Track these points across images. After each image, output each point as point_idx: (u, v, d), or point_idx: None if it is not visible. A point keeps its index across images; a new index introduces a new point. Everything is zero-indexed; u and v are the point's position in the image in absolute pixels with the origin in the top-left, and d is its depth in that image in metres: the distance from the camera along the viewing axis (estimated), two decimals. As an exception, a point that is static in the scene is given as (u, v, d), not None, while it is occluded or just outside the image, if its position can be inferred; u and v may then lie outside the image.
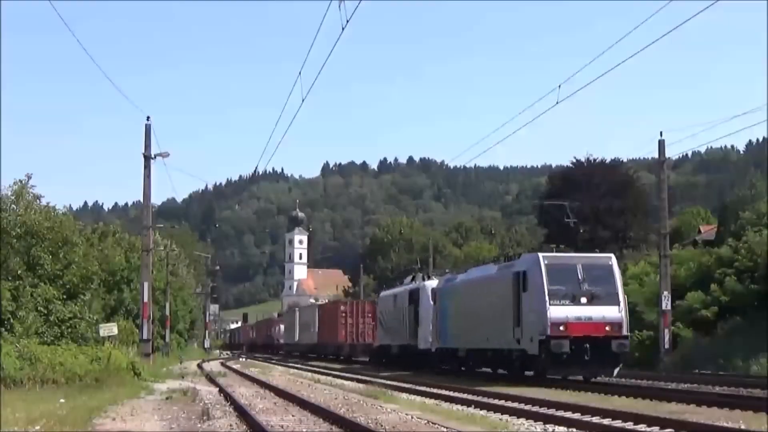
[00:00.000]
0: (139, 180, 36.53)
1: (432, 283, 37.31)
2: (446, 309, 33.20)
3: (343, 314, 55.70)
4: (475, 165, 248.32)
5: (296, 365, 49.90)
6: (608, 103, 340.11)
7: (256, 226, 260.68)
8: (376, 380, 28.91)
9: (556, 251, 28.50)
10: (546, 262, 25.05)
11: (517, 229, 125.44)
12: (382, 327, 44.91)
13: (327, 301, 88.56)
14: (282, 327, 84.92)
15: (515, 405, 18.06)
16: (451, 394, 21.79)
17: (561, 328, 24.01)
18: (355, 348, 54.12)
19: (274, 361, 61.15)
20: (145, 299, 35.96)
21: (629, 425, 14.26)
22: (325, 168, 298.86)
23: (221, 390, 24.59)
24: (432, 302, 35.26)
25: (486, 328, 28.42)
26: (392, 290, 44.95)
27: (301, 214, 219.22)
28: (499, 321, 26.95)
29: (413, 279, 42.17)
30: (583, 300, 24.45)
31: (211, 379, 31.53)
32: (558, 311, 24.16)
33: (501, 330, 26.74)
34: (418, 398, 21.20)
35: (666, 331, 34.01)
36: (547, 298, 24.29)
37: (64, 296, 30.78)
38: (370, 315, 54.12)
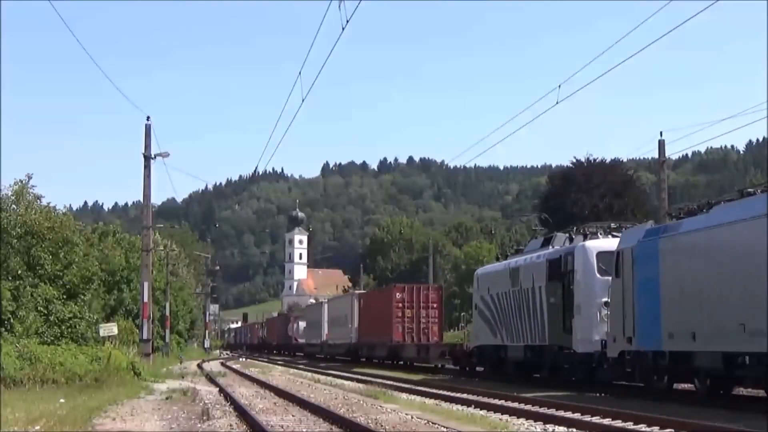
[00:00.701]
0: (139, 180, 36.59)
1: (602, 243, 23.46)
2: (655, 283, 19.25)
3: (399, 304, 42.02)
4: (475, 165, 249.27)
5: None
6: (608, 103, 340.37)
7: (256, 226, 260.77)
8: (378, 380, 28.77)
9: None
10: None
11: (517, 229, 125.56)
12: (485, 319, 30.50)
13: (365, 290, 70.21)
14: (302, 324, 72.81)
15: (515, 405, 18.06)
16: (451, 394, 21.78)
17: None
18: (427, 350, 39.62)
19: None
20: (145, 299, 35.99)
21: (629, 425, 14.26)
22: (325, 168, 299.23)
23: (221, 390, 24.61)
24: (601, 275, 22.51)
25: None
26: (506, 262, 30.06)
27: (301, 214, 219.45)
28: None
29: (548, 242, 27.03)
30: None
31: (211, 379, 31.53)
32: None
33: None
34: (418, 398, 21.19)
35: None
36: None
37: (64, 296, 30.79)
38: (435, 305, 42.35)
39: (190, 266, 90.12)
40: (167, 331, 56.94)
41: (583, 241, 24.11)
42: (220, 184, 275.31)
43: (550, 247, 26.17)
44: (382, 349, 44.99)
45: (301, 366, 47.08)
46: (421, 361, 40.30)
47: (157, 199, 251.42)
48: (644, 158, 72.62)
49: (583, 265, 23.21)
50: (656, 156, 36.01)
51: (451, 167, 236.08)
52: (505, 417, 16.22)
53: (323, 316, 60.39)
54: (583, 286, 23.19)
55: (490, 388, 22.99)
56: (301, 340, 71.76)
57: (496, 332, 29.34)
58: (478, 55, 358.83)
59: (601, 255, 22.65)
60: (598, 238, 24.09)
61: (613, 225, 25.13)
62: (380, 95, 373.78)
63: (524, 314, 26.67)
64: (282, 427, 14.47)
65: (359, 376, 32.67)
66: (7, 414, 15.07)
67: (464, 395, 21.22)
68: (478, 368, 32.80)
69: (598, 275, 22.67)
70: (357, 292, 59.39)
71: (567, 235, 25.95)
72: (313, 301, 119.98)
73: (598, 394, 21.45)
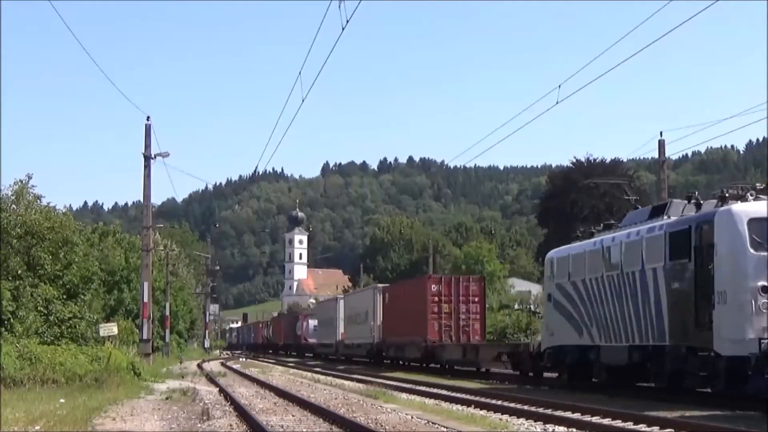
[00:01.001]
0: (139, 180, 36.65)
1: (754, 207, 17.31)
2: None
3: (435, 297, 37.38)
4: (475, 165, 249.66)
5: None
6: (608, 103, 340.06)
7: (256, 226, 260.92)
8: (376, 380, 28.82)
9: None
10: None
11: (517, 229, 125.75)
12: (564, 313, 24.08)
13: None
14: (312, 323, 68.45)
15: (515, 405, 18.06)
16: (451, 394, 21.77)
17: None
18: (476, 351, 32.96)
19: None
20: (145, 299, 36.02)
21: (629, 425, 14.27)
22: (325, 168, 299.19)
23: (221, 390, 24.62)
24: (755, 250, 16.61)
25: None
26: (595, 239, 23.19)
27: (301, 214, 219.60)
28: None
29: (661, 211, 20.58)
30: None
31: (211, 379, 31.55)
32: None
33: None
34: (418, 398, 21.19)
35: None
36: None
37: (64, 296, 30.81)
38: (476, 299, 37.69)
39: (190, 266, 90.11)
40: (167, 331, 56.95)
41: (721, 205, 17.92)
42: (220, 184, 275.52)
43: (666, 216, 19.94)
44: (413, 349, 39.10)
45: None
46: (467, 364, 33.89)
47: (157, 199, 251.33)
48: (644, 158, 72.84)
49: (728, 237, 17.11)
50: (656, 156, 36.05)
51: (451, 167, 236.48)
52: (505, 417, 16.22)
53: (338, 313, 55.20)
54: (729, 266, 17.03)
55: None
56: (312, 340, 67.13)
57: (582, 329, 23.09)
58: (478, 54, 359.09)
59: (755, 223, 16.85)
60: (744, 201, 17.76)
61: (759, 186, 18.73)
62: (379, 95, 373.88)
63: (628, 305, 20.62)
64: (282, 427, 14.48)
65: (359, 377, 31.55)
66: (7, 414, 15.08)
67: (464, 395, 21.21)
68: (546, 374, 26.55)
69: (751, 250, 16.70)
70: (380, 285, 52.29)
71: (687, 202, 19.81)
72: (313, 301, 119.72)
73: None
